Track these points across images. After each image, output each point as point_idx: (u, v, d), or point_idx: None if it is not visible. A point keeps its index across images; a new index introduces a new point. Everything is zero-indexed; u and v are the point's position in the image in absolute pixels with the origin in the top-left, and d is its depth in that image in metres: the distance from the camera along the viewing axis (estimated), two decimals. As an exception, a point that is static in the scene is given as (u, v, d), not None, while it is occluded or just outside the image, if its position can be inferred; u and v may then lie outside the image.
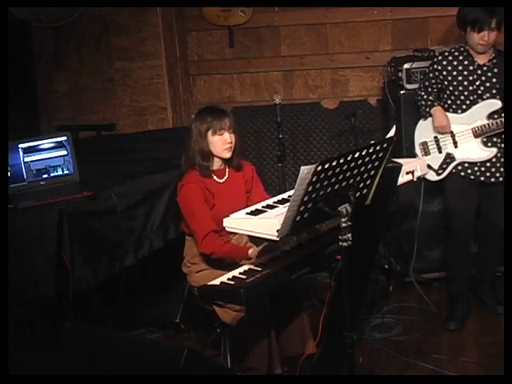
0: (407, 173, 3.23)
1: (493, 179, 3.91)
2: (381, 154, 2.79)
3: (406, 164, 3.22)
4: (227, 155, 3.40)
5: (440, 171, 3.99)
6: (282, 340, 3.34)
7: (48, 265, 3.15)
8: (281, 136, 4.34)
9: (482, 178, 3.91)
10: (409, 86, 4.35)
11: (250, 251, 3.20)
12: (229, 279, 2.94)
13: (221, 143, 3.36)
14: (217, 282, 2.94)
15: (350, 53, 5.08)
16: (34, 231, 3.17)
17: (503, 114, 3.82)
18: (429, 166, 3.96)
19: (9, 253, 2.86)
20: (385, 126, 4.81)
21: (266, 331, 3.23)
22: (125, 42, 4.96)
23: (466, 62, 3.88)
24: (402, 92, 4.38)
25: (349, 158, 2.63)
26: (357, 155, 2.65)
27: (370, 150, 2.72)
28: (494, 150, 3.88)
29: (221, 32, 5.19)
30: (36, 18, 4.83)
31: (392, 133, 2.99)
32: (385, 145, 2.78)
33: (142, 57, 4.96)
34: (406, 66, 4.37)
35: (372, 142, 2.77)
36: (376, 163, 2.80)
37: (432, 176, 4.01)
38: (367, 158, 2.72)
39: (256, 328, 3.21)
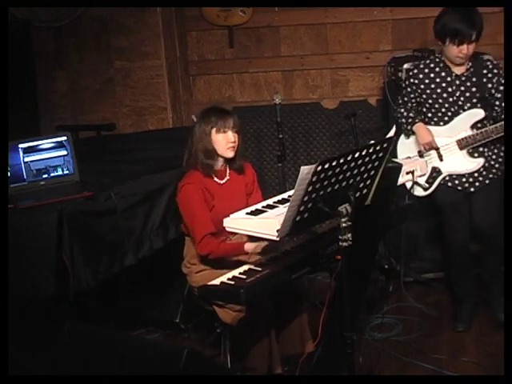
0: (407, 173, 3.23)
1: (481, 186, 3.85)
2: (381, 154, 2.78)
3: (406, 164, 3.22)
4: (230, 154, 3.40)
5: (427, 186, 3.91)
6: (281, 340, 3.34)
7: (48, 265, 3.14)
8: (281, 136, 4.35)
9: (472, 189, 3.86)
10: (409, 86, 4.35)
11: (247, 246, 3.21)
12: (229, 279, 2.93)
13: (224, 142, 3.38)
14: (217, 282, 2.94)
15: (350, 53, 5.08)
16: (34, 231, 3.16)
17: (486, 123, 3.79)
18: (415, 182, 3.91)
19: (9, 253, 2.85)
20: (385, 126, 4.80)
21: (266, 331, 3.23)
22: (125, 42, 4.96)
23: (443, 74, 3.82)
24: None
25: (349, 158, 2.63)
26: (357, 155, 2.65)
27: (370, 150, 2.71)
28: (481, 161, 3.82)
29: (221, 32, 5.19)
30: (36, 17, 4.83)
31: (392, 133, 3.00)
32: (385, 145, 2.78)
33: (142, 57, 4.96)
34: (405, 66, 4.37)
35: (372, 141, 2.77)
36: (376, 163, 2.80)
37: (419, 192, 3.93)
38: (367, 158, 2.72)
39: (256, 328, 3.21)
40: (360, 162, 2.70)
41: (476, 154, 3.85)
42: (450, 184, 3.88)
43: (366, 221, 2.86)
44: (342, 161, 2.60)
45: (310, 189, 2.56)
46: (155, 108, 5.03)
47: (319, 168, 2.52)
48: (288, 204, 2.64)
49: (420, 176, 3.46)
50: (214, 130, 3.37)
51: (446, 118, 3.85)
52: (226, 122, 3.37)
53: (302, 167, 2.51)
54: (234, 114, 3.44)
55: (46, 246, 3.14)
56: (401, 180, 3.17)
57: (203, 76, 5.31)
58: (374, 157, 2.75)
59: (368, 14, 4.97)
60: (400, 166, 3.07)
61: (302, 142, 5.23)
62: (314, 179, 2.54)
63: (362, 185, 2.81)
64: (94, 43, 5.03)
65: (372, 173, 2.82)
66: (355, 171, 2.71)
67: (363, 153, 2.68)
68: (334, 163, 2.57)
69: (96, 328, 2.80)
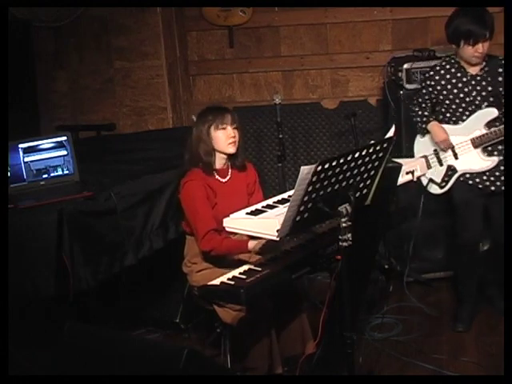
0: (407, 173, 3.23)
1: (503, 187, 3.83)
2: (381, 154, 2.79)
3: (406, 164, 3.22)
4: (231, 150, 3.40)
5: (443, 184, 3.94)
6: (282, 340, 3.34)
7: (48, 265, 3.14)
8: (281, 136, 4.34)
9: (493, 188, 3.86)
10: (409, 86, 4.36)
11: (250, 244, 3.20)
12: (229, 279, 2.94)
13: (224, 138, 3.37)
14: (217, 282, 2.94)
15: (350, 53, 5.08)
16: (34, 231, 3.16)
17: (502, 122, 3.77)
18: (431, 180, 3.93)
19: (9, 253, 2.85)
20: (385, 125, 4.81)
21: (266, 331, 3.23)
22: (125, 42, 4.96)
23: (458, 74, 3.84)
24: (401, 92, 4.39)
25: (349, 158, 2.63)
26: (357, 155, 2.65)
27: (370, 150, 2.72)
28: (496, 159, 3.83)
29: (221, 32, 5.19)
30: (36, 17, 4.83)
31: (391, 133, 2.99)
32: (385, 145, 2.78)
33: (142, 57, 4.96)
34: (405, 66, 4.37)
35: (372, 141, 2.77)
36: (376, 163, 2.80)
37: (435, 189, 3.96)
38: (367, 158, 2.72)
39: (256, 328, 3.21)
40: (360, 161, 2.70)
41: (491, 153, 3.86)
42: (470, 182, 3.88)
43: (365, 221, 2.86)
44: (342, 161, 2.60)
45: (310, 189, 2.56)
46: (155, 108, 5.03)
47: (319, 168, 2.52)
48: (288, 204, 2.64)
49: (420, 176, 3.46)
50: (212, 128, 3.37)
51: (464, 118, 3.86)
52: (224, 118, 3.37)
53: (301, 167, 2.51)
54: (230, 110, 3.44)
55: (46, 246, 3.14)
56: (401, 180, 3.17)
57: (203, 76, 5.31)
58: (373, 157, 2.75)
59: (368, 14, 4.97)
60: (400, 165, 3.07)
61: (302, 142, 5.23)
62: (314, 179, 2.54)
63: (362, 185, 2.81)
64: (94, 43, 5.02)
65: (372, 173, 2.82)
66: (355, 171, 2.71)
67: (363, 153, 2.68)
68: (334, 163, 2.57)
69: (96, 328, 2.80)
